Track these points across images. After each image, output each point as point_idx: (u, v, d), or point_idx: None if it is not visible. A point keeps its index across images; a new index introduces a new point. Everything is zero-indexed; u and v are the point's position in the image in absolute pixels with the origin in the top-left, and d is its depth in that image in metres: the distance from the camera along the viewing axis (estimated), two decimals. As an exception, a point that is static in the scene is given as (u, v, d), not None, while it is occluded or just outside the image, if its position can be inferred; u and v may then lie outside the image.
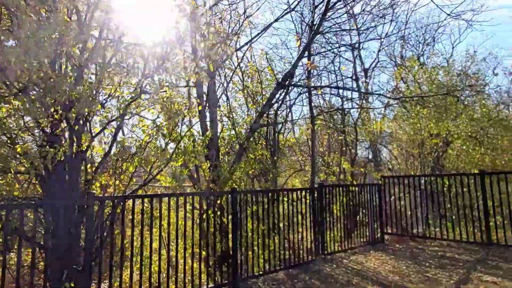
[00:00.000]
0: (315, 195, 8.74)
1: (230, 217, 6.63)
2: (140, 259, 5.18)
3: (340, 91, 12.60)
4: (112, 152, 5.52)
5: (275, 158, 9.45)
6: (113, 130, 5.67)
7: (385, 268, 7.32)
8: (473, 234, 8.83)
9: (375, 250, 9.22)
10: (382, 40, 16.11)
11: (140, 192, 6.13)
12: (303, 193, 8.61)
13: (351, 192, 9.93)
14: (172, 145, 7.14)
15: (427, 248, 9.12)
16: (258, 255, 6.97)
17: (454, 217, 9.31)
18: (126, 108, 4.85)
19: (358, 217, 10.11)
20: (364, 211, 10.39)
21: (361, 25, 16.68)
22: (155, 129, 5.74)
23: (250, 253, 6.84)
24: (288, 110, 10.36)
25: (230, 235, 6.62)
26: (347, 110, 12.37)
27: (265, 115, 9.55)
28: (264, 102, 9.31)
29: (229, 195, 6.61)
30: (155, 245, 6.52)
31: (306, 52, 8.49)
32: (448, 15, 16.72)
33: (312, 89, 8.67)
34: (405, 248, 9.30)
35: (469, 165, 11.02)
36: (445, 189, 9.75)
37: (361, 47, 16.41)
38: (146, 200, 5.59)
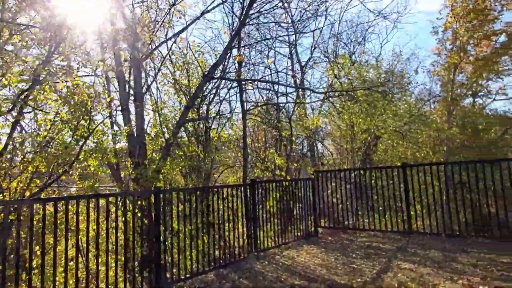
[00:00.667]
0: (248, 191, 8.62)
1: (153, 218, 6.21)
2: (42, 271, 4.58)
3: (277, 86, 12.65)
4: (7, 150, 4.80)
5: (207, 154, 9.14)
6: (10, 125, 4.94)
7: (315, 261, 7.41)
8: (396, 224, 9.35)
9: (308, 244, 9.36)
10: (316, 37, 16.58)
11: (43, 195, 5.45)
12: (235, 189, 8.43)
13: (284, 188, 10.00)
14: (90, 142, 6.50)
15: (356, 239, 9.47)
16: (186, 256, 6.64)
17: (380, 208, 9.80)
18: (18, 99, 4.20)
19: (292, 212, 10.22)
20: (298, 205, 10.56)
21: (297, 22, 17.01)
22: (59, 123, 5.10)
23: (176, 255, 6.48)
24: (220, 104, 10.10)
25: (154, 238, 6.19)
26: (281, 105, 12.46)
27: (196, 109, 9.18)
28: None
29: (152, 195, 6.18)
30: (72, 252, 5.89)
31: (236, 45, 8.27)
32: (377, 15, 17.84)
33: (243, 83, 8.49)
34: (336, 240, 9.57)
35: (394, 159, 11.73)
36: (372, 181, 10.23)
37: (297, 43, 16.73)
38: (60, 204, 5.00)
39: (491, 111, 13.44)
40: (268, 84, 11.70)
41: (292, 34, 16.10)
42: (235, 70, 9.54)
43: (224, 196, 8.16)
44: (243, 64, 13.73)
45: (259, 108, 13.13)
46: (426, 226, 8.98)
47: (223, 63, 8.78)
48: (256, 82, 10.17)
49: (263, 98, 14.08)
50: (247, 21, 7.66)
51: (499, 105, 16.78)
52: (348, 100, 12.14)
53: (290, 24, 16.10)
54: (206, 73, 7.06)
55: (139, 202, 6.32)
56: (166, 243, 6.47)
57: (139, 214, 6.03)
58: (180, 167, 8.45)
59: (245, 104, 9.71)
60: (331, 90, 12.65)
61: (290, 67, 17.26)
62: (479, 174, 8.20)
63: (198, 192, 7.16)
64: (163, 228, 6.28)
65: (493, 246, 7.33)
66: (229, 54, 9.34)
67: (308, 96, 16.18)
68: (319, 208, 10.91)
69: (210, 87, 9.26)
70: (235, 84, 9.53)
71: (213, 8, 8.58)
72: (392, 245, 8.32)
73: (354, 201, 10.63)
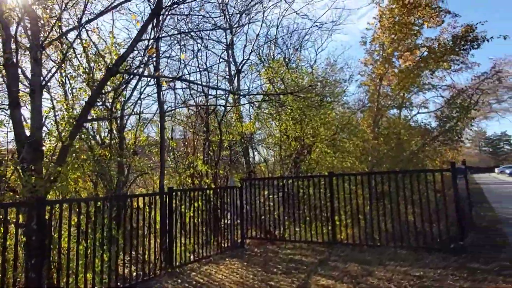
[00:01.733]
0: (164, 200, 7.88)
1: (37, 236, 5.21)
2: None
3: (207, 88, 12.03)
4: None
5: (119, 159, 8.22)
6: None
7: (232, 278, 6.90)
8: (322, 235, 9.23)
9: (232, 257, 8.83)
10: (253, 41, 16.39)
11: None
12: (149, 199, 7.63)
13: (208, 196, 9.42)
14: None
15: (281, 251, 9.17)
16: (77, 280, 5.70)
17: (308, 218, 9.63)
18: None
19: (218, 222, 9.65)
20: (225, 215, 10.03)
21: (234, 24, 16.67)
22: None
23: (65, 279, 5.53)
24: (140, 103, 9.21)
25: (34, 260, 5.18)
26: (211, 108, 11.88)
27: (109, 108, 8.21)
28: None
29: (35, 208, 5.19)
30: None
31: (152, 37, 7.52)
32: (312, 24, 18.25)
33: (161, 81, 7.75)
34: (261, 253, 9.19)
35: (323, 168, 11.76)
36: (301, 191, 10.06)
37: (233, 45, 16.36)
38: None
39: (414, 123, 14.29)
40: (199, 86, 11.06)
41: (229, 33, 15.75)
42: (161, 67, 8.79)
43: (137, 206, 7.35)
44: (170, 61, 12.97)
45: (190, 110, 12.41)
46: (349, 236, 8.95)
47: (142, 57, 7.97)
48: (189, 83, 9.51)
49: (194, 99, 13.39)
50: (164, 12, 7.01)
51: (421, 117, 18.06)
52: (280, 106, 11.96)
53: (226, 23, 15.71)
54: (111, 66, 6.21)
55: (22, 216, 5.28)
56: (53, 265, 5.50)
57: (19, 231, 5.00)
58: (86, 174, 7.45)
59: (164, 104, 8.94)
60: (261, 94, 12.41)
61: (226, 70, 16.83)
62: (400, 184, 8.36)
63: (98, 203, 6.27)
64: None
65: (409, 257, 7.43)
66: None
67: (242, 99, 15.85)
68: (247, 218, 10.47)
69: (133, 83, 8.42)
70: (150, 82, 8.75)
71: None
72: (314, 258, 8.12)
73: (282, 211, 10.37)
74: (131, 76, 7.75)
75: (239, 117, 14.79)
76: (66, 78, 8.43)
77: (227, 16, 15.67)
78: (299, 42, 17.74)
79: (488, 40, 11.62)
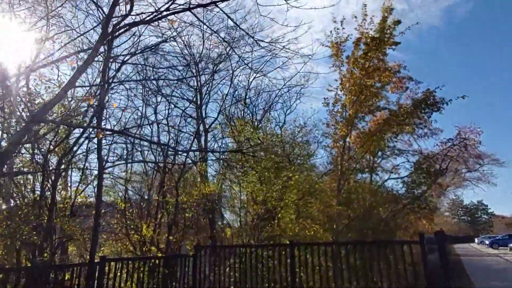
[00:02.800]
0: (93, 271, 6.76)
1: None
2: None
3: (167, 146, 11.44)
4: None
5: (51, 221, 7.20)
6: None
7: None
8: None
9: None
10: (221, 101, 16.39)
11: None
12: (77, 270, 6.52)
13: (154, 267, 8.29)
14: None
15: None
16: None
17: (267, 292, 8.50)
18: None
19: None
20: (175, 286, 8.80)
21: (205, 82, 16.75)
22: None
23: None
24: (74, 156, 8.39)
25: None
26: (167, 166, 11.15)
27: (41, 161, 7.40)
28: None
29: None
30: None
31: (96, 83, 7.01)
32: (283, 85, 18.68)
33: (98, 133, 7.09)
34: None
35: (288, 234, 10.87)
36: (263, 260, 9.04)
37: (202, 105, 16.21)
38: None
39: (384, 189, 13.88)
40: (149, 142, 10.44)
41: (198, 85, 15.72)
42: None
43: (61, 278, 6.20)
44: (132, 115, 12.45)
45: (147, 166, 11.65)
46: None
47: (87, 106, 7.40)
48: (136, 138, 8.93)
49: (155, 156, 12.69)
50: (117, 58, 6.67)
51: (391, 183, 17.74)
52: (244, 167, 11.41)
53: (198, 82, 15.75)
54: (34, 114, 5.56)
55: None
56: None
57: None
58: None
59: (103, 160, 8.18)
60: (225, 150, 11.91)
61: (190, 126, 16.54)
62: (366, 256, 7.55)
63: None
64: None
65: None
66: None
67: (209, 159, 15.32)
68: (201, 291, 9.21)
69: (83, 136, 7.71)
70: (92, 134, 8.10)
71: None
72: None
73: (242, 283, 9.19)
74: (71, 127, 7.08)
75: (203, 177, 14.08)
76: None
77: (196, 72, 15.76)
78: (268, 103, 17.88)
79: (447, 103, 11.85)
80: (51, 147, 7.64)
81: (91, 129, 7.98)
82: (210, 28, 8.00)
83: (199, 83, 15.80)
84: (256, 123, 16.17)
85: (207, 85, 16.27)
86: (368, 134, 12.16)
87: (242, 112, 16.70)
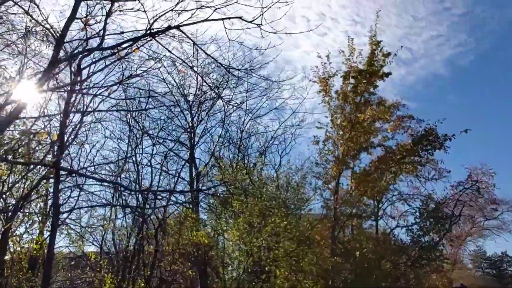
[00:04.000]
0: None
1: None
2: None
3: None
4: None
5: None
6: None
7: None
8: None
9: None
10: (215, 143, 15.74)
11: None
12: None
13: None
14: None
15: None
16: None
17: None
18: None
19: None
20: None
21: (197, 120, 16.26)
22: None
23: None
24: (24, 200, 7.55)
25: None
26: (145, 212, 10.23)
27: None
28: None
29: None
30: None
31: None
32: (279, 126, 18.08)
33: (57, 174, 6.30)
34: None
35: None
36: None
37: (194, 147, 15.57)
38: None
39: (392, 238, 12.43)
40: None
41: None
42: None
43: None
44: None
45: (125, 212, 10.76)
46: None
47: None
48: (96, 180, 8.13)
49: (138, 201, 11.82)
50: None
51: (397, 231, 16.06)
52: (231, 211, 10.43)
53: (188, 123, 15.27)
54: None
55: None
56: None
57: None
58: None
59: (61, 204, 7.34)
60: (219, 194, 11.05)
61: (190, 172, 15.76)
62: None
63: None
64: None
65: None
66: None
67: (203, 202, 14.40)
68: None
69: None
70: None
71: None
72: None
73: None
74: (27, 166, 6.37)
75: (194, 224, 13.03)
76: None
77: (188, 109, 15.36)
78: (263, 145, 17.12)
79: (450, 139, 10.91)
80: (6, 187, 6.91)
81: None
82: (186, 63, 7.31)
83: (191, 123, 15.31)
84: (249, 166, 15.34)
85: (198, 125, 15.75)
86: (363, 174, 11.13)
87: (237, 155, 15.99)
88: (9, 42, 7.05)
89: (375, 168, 11.00)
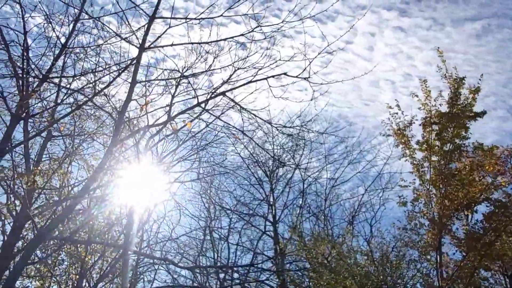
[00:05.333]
0: None
1: None
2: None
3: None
4: None
5: None
6: None
7: None
8: None
9: None
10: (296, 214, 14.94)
11: None
12: None
13: None
14: None
15: None
16: None
17: None
18: None
19: None
20: None
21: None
22: None
23: None
24: None
25: None
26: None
27: None
28: None
29: None
30: None
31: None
32: (365, 191, 16.38)
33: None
34: None
35: None
36: None
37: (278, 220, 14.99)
38: None
39: None
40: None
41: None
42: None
43: None
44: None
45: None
46: None
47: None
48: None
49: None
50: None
51: None
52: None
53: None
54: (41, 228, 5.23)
55: None
56: None
57: None
58: None
59: None
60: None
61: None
62: None
63: None
64: None
65: None
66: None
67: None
68: None
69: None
70: None
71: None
72: None
73: None
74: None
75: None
76: None
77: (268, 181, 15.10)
78: (350, 213, 15.63)
79: None
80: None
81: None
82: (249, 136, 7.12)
83: (271, 195, 14.97)
84: (335, 239, 13.98)
85: (277, 196, 15.30)
86: (470, 237, 8.88)
87: (322, 226, 14.82)
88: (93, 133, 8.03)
89: (485, 230, 8.78)
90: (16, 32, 6.82)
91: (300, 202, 15.41)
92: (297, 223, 14.80)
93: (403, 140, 9.94)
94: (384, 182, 15.85)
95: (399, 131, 9.99)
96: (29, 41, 7.22)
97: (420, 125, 10.02)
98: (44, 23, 7.12)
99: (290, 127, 6.26)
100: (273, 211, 15.66)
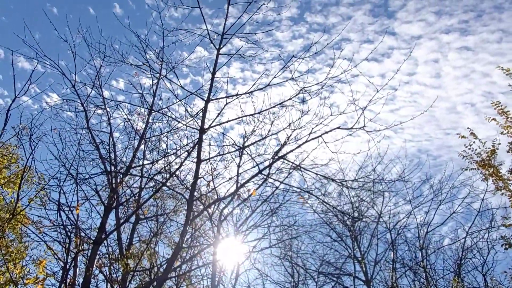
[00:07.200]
0: None
1: None
2: None
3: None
4: None
5: None
6: None
7: None
8: None
9: None
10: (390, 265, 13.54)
11: None
12: None
13: None
14: None
15: None
16: None
17: None
18: None
19: None
20: None
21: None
22: None
23: None
24: None
25: None
26: None
27: None
28: None
29: None
30: None
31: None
32: (467, 233, 14.19)
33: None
34: None
35: None
36: None
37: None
38: None
39: None
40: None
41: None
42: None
43: None
44: None
45: None
46: None
47: None
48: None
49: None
50: None
51: None
52: None
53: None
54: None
55: None
56: None
57: None
58: None
59: None
60: None
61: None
62: None
63: None
64: None
65: None
66: None
67: None
68: None
69: None
70: None
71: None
72: None
73: None
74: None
75: None
76: None
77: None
78: (455, 262, 13.67)
79: None
80: None
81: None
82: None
83: (357, 250, 13.96)
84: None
85: (366, 253, 14.16)
86: None
87: (423, 282, 13.11)
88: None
89: None
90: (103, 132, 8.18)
91: (392, 256, 14.07)
92: (392, 280, 13.39)
93: (490, 171, 8.88)
94: (488, 221, 13.92)
95: (482, 162, 8.98)
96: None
97: (508, 151, 8.91)
98: (125, 121, 8.47)
99: (354, 180, 6.02)
100: (364, 268, 14.50)
